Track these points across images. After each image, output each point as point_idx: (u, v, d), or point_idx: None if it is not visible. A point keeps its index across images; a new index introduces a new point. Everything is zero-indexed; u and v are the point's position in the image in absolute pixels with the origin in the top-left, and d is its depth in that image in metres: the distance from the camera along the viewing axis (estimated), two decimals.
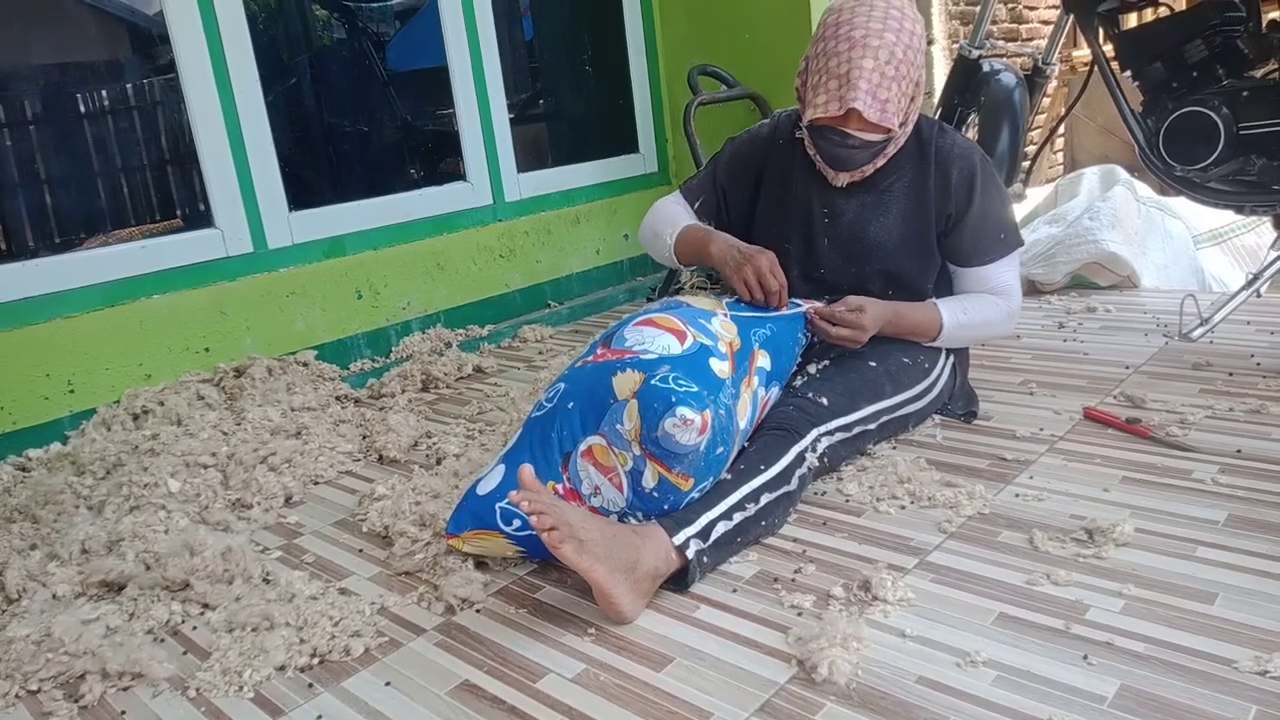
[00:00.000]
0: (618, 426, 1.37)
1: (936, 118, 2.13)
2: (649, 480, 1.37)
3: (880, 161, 1.71)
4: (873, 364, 1.71)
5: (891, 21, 1.57)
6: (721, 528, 1.38)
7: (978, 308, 1.77)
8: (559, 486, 1.41)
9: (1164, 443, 1.68)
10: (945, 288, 1.84)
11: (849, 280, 1.79)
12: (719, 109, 3.25)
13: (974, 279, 1.79)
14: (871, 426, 1.68)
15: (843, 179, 1.75)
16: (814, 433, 1.56)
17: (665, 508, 1.39)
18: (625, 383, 1.38)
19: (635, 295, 3.38)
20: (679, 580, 1.35)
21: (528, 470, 1.25)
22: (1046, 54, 2.58)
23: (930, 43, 3.21)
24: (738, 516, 1.40)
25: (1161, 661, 1.09)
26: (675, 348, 1.45)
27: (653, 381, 1.36)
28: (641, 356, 1.43)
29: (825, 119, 1.62)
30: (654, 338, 1.47)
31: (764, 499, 1.44)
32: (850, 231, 1.77)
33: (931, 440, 1.81)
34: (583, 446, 1.40)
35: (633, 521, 1.39)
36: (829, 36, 1.59)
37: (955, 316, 1.76)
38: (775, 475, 1.47)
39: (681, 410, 1.31)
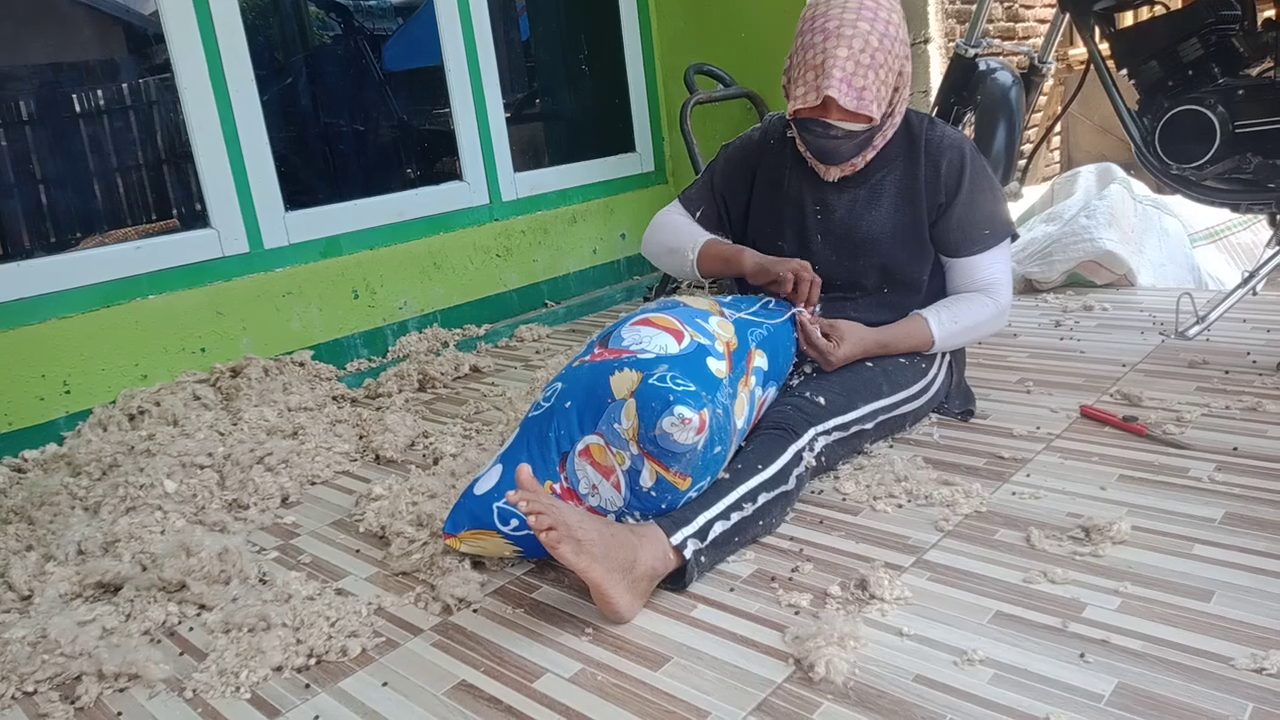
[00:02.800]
0: (615, 425, 1.37)
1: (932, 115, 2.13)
2: (647, 479, 1.37)
3: (869, 154, 1.72)
4: (869, 364, 1.72)
5: (865, 12, 1.59)
6: (719, 527, 1.38)
7: (966, 312, 1.77)
8: (556, 486, 1.40)
9: (1161, 441, 1.68)
10: (940, 285, 1.84)
11: (844, 275, 1.79)
12: (715, 108, 3.25)
13: (963, 270, 1.79)
14: (869, 426, 1.68)
15: (833, 174, 1.75)
16: (811, 432, 1.56)
17: (663, 507, 1.39)
18: (623, 382, 1.38)
19: (632, 294, 3.38)
20: (676, 580, 1.35)
21: (525, 470, 1.25)
22: (1043, 53, 2.58)
23: (926, 41, 3.20)
24: (735, 516, 1.40)
25: (1158, 659, 1.09)
26: (673, 347, 1.45)
27: (650, 381, 1.36)
28: (639, 356, 1.43)
29: (805, 110, 1.64)
30: (651, 337, 1.47)
31: (761, 498, 1.44)
32: (843, 226, 1.77)
33: (928, 439, 1.81)
34: (580, 446, 1.40)
35: (630, 521, 1.39)
36: (805, 31, 1.63)
37: (944, 327, 1.75)
38: (773, 475, 1.47)
39: (679, 409, 1.31)
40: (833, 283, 1.80)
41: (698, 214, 1.94)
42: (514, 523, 1.38)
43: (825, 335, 1.69)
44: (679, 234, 1.91)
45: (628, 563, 1.27)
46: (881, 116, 1.64)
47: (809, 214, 1.79)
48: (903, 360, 1.76)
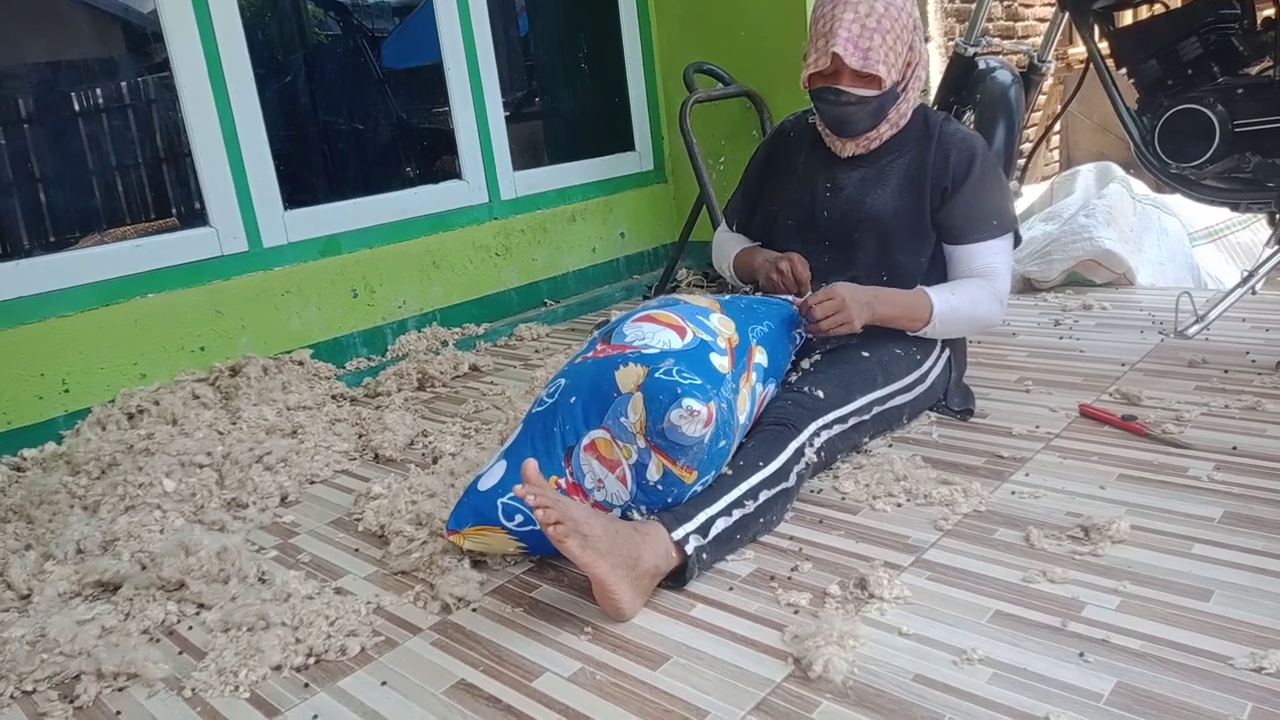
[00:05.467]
0: (622, 419, 1.37)
1: None
2: (653, 473, 1.37)
3: (883, 129, 1.77)
4: (865, 354, 1.73)
5: None
6: (721, 524, 1.38)
7: (965, 291, 1.78)
8: (561, 481, 1.40)
9: (1160, 440, 1.68)
10: (937, 276, 1.84)
11: (844, 254, 1.82)
12: (715, 107, 3.25)
13: (963, 256, 1.81)
14: (866, 417, 1.68)
15: (849, 148, 1.81)
16: (812, 426, 1.57)
17: (669, 501, 1.39)
18: (629, 376, 1.38)
19: (631, 293, 3.38)
20: (677, 577, 1.35)
21: (532, 464, 1.24)
22: (1042, 51, 2.58)
23: (926, 40, 3.21)
24: (737, 513, 1.41)
25: (1157, 658, 1.09)
26: (676, 343, 1.46)
27: (657, 374, 1.36)
28: (643, 351, 1.43)
29: (817, 77, 1.72)
30: (654, 333, 1.48)
31: (763, 496, 1.44)
32: (849, 203, 1.82)
33: (928, 438, 1.81)
34: (586, 440, 1.40)
35: (636, 516, 1.39)
36: (818, 6, 1.72)
37: (944, 301, 1.75)
38: (774, 472, 1.47)
39: (688, 402, 1.31)
40: (833, 261, 1.83)
41: (734, 225, 2.09)
42: (518, 518, 1.38)
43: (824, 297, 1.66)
44: (720, 253, 2.06)
45: (632, 559, 1.28)
46: (893, 85, 1.70)
47: (819, 191, 1.85)
48: (898, 351, 1.77)
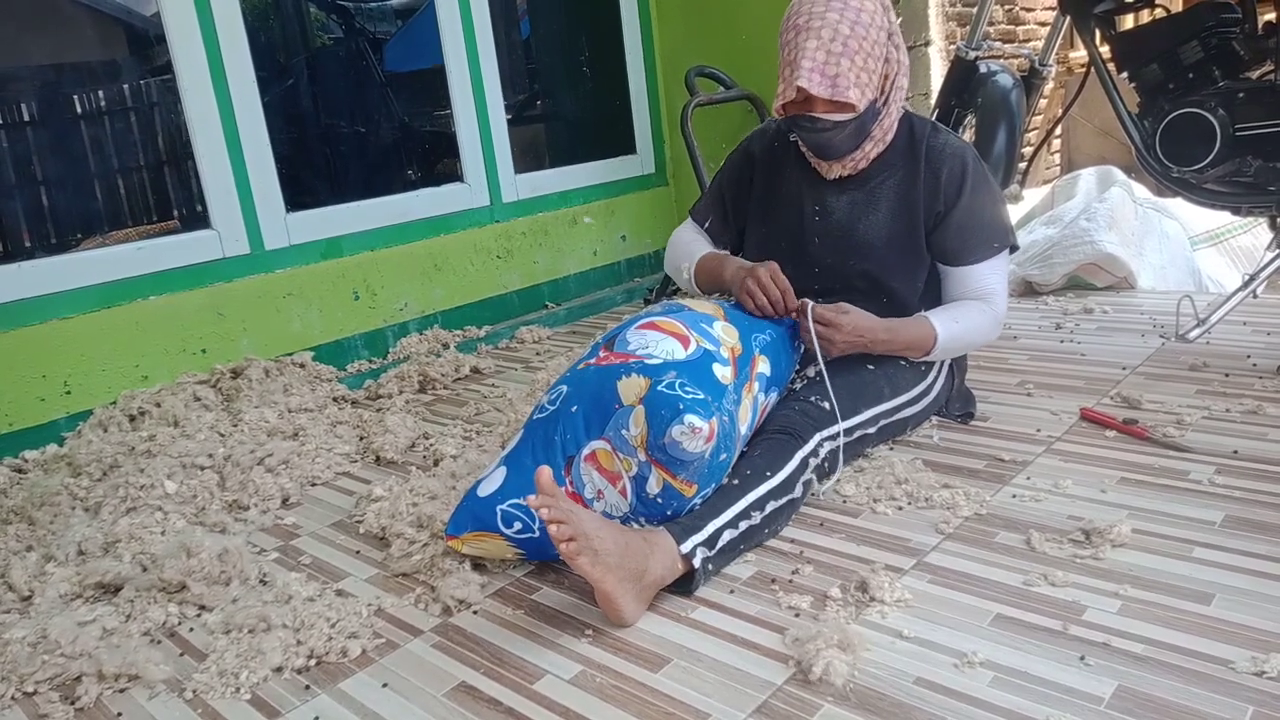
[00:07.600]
0: (623, 432, 1.36)
1: (933, 119, 2.13)
2: (654, 486, 1.37)
3: (869, 146, 1.70)
4: (871, 367, 1.71)
5: (835, 3, 1.58)
6: (728, 535, 1.38)
7: (966, 315, 1.74)
8: (561, 490, 1.40)
9: (1161, 443, 1.68)
10: (934, 295, 1.82)
11: (839, 280, 1.77)
12: (716, 110, 3.25)
13: (960, 279, 1.77)
14: (871, 430, 1.68)
15: (835, 170, 1.74)
16: (817, 436, 1.56)
17: (668, 513, 1.39)
18: (631, 388, 1.38)
19: (633, 296, 3.38)
20: (683, 584, 1.35)
21: (546, 473, 1.22)
22: (1043, 55, 2.58)
23: (927, 44, 3.20)
24: (744, 524, 1.40)
25: (1158, 662, 1.09)
26: (679, 353, 1.44)
27: (660, 388, 1.36)
28: (646, 361, 1.42)
29: (790, 106, 1.65)
30: (657, 342, 1.46)
31: (769, 507, 1.44)
32: (840, 229, 1.76)
33: (929, 441, 1.81)
34: (586, 451, 1.40)
35: (636, 526, 1.39)
36: (782, 32, 1.64)
37: (947, 327, 1.72)
38: (781, 483, 1.47)
39: (689, 418, 1.31)
40: (828, 287, 1.78)
41: (706, 224, 1.95)
42: (517, 525, 1.38)
43: (824, 322, 1.65)
44: (680, 252, 1.93)
45: (638, 571, 1.27)
46: (870, 103, 1.63)
47: (807, 215, 1.78)
48: (904, 364, 1.75)
